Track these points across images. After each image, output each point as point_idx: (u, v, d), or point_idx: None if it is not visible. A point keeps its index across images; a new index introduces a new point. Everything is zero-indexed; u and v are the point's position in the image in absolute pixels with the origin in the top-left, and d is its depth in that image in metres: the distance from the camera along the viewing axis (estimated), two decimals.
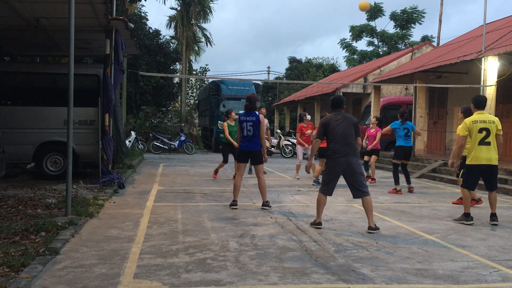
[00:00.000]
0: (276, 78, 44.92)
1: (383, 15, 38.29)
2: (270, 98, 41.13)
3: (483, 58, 12.08)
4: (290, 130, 25.39)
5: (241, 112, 7.96)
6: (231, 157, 11.75)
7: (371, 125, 12.11)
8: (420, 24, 37.78)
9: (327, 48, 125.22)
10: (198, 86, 39.69)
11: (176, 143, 20.89)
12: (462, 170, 7.58)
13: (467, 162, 6.81)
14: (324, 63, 43.36)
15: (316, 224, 6.17)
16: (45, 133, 9.72)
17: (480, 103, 6.90)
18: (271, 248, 5.06)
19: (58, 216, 6.03)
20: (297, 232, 5.90)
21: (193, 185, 10.16)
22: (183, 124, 26.49)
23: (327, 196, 6.22)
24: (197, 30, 34.40)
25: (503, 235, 6.11)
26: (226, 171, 13.41)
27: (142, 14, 27.33)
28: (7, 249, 4.58)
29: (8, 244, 4.77)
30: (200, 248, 4.99)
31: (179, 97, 32.59)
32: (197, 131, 28.16)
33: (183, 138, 21.08)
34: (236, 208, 7.38)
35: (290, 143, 20.06)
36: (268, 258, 4.68)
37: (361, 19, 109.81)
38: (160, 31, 29.00)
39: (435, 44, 25.20)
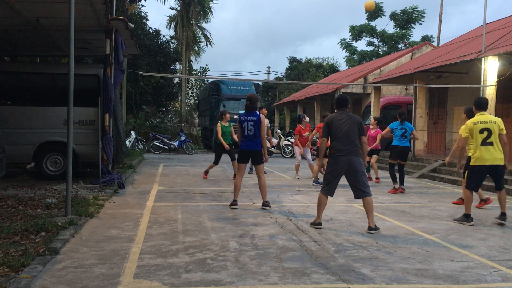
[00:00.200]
0: (276, 78, 44.95)
1: (383, 15, 38.30)
2: (270, 98, 41.14)
3: (483, 58, 12.08)
4: (290, 130, 25.40)
5: (241, 112, 7.95)
6: (227, 158, 11.73)
7: (371, 126, 12.12)
8: (420, 24, 37.83)
9: (327, 48, 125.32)
10: (198, 86, 39.70)
11: (176, 143, 20.88)
12: (467, 171, 7.57)
13: (472, 163, 6.78)
14: (324, 63, 43.37)
15: (316, 224, 6.17)
16: (45, 133, 9.72)
17: (481, 104, 6.91)
18: (271, 248, 5.06)
19: (58, 216, 6.03)
20: (297, 232, 5.90)
21: (193, 185, 10.16)
22: (183, 124, 26.50)
23: (328, 197, 6.23)
24: (197, 30, 34.40)
25: (503, 235, 6.11)
26: (226, 171, 13.41)
27: (142, 14, 27.34)
28: (7, 249, 4.58)
29: (8, 244, 4.77)
30: (200, 248, 4.99)
31: (179, 97, 32.59)
32: (197, 131, 28.17)
33: (183, 138, 21.08)
34: (236, 208, 7.38)
35: (290, 143, 20.06)
36: (268, 258, 4.68)
37: (361, 19, 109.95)
38: (160, 31, 29.03)
39: (435, 44, 25.19)
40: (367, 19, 38.99)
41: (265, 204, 7.46)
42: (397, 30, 37.78)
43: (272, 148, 20.17)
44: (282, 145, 20.52)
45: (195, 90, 39.85)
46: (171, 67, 29.66)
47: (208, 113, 23.76)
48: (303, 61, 44.51)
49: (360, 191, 6.06)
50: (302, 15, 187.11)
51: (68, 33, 6.26)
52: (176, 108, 33.49)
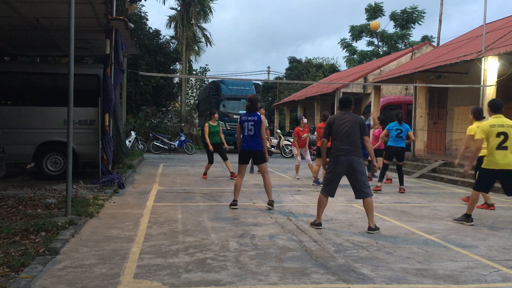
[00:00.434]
0: (276, 78, 44.95)
1: (383, 15, 38.31)
2: (270, 98, 41.14)
3: (483, 58, 12.08)
4: (290, 130, 25.41)
5: (241, 112, 7.98)
6: (219, 158, 11.78)
7: (375, 126, 12.22)
8: (420, 24, 37.83)
9: (328, 48, 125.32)
10: (198, 86, 39.70)
11: (176, 143, 20.88)
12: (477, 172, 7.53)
13: (483, 165, 6.66)
14: (324, 63, 43.36)
15: (316, 224, 6.17)
16: (45, 133, 9.72)
17: (496, 106, 6.79)
18: (271, 248, 5.06)
19: (58, 216, 6.03)
20: (297, 232, 5.90)
21: (193, 185, 10.16)
22: (183, 124, 26.49)
23: (329, 198, 6.23)
24: (197, 30, 34.38)
25: (503, 235, 6.11)
26: (226, 171, 13.41)
27: (142, 14, 27.35)
28: (7, 249, 4.58)
29: (8, 244, 4.77)
30: (200, 248, 4.99)
31: (179, 97, 32.59)
32: (197, 131, 28.16)
33: (183, 138, 21.08)
34: (236, 208, 7.38)
35: (290, 143, 20.06)
36: (268, 258, 4.68)
37: (361, 19, 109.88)
38: (160, 31, 29.06)
39: (435, 44, 25.20)
40: (367, 19, 39.02)
41: (270, 203, 7.43)
42: (397, 30, 37.79)
43: (272, 148, 20.18)
44: (282, 145, 20.52)
45: (195, 90, 39.86)
46: (171, 67, 29.67)
47: (208, 113, 23.75)
48: (303, 61, 44.52)
49: (360, 191, 6.05)
50: (302, 15, 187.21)
51: (68, 33, 6.26)
52: (176, 108, 33.48)
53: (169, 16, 33.73)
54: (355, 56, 40.36)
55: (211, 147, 11.45)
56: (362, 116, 10.37)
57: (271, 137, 21.94)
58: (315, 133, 11.51)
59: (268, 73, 46.88)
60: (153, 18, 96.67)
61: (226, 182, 10.86)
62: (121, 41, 9.78)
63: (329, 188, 6.17)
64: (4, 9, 8.46)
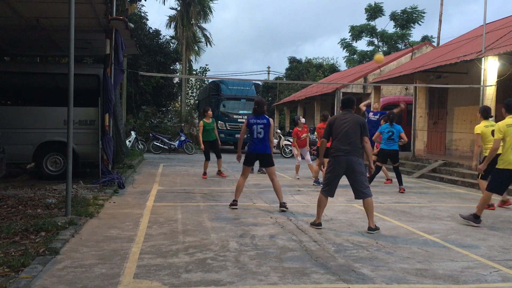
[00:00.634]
0: (276, 78, 44.95)
1: (383, 15, 38.33)
2: (270, 98, 41.14)
3: (483, 58, 12.08)
4: (290, 130, 25.40)
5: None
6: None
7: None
8: (420, 24, 37.85)
9: (328, 48, 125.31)
10: (198, 86, 39.70)
11: (176, 143, 20.87)
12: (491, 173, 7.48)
13: (498, 165, 6.53)
14: (324, 63, 43.37)
15: (316, 224, 6.17)
16: (45, 133, 9.72)
17: (510, 107, 6.73)
18: (271, 248, 5.06)
19: (58, 216, 6.03)
20: (297, 232, 5.90)
21: (193, 185, 10.16)
22: (183, 124, 26.49)
23: (328, 198, 6.23)
24: (197, 30, 34.41)
25: (503, 235, 6.11)
26: (226, 171, 13.41)
27: (142, 14, 27.36)
28: (7, 249, 4.58)
29: (8, 244, 4.77)
30: (200, 248, 4.99)
31: (179, 97, 32.60)
32: (197, 131, 28.15)
33: (183, 138, 21.07)
34: (236, 208, 7.38)
35: (290, 143, 20.06)
36: (268, 258, 4.68)
37: (361, 19, 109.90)
38: (160, 31, 29.05)
39: (435, 44, 25.20)
40: (367, 19, 39.04)
41: (283, 205, 7.37)
42: (397, 30, 37.79)
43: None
44: (282, 145, 20.52)
45: (195, 90, 39.85)
46: (171, 67, 29.67)
47: None
48: (303, 61, 44.53)
49: (359, 191, 6.06)
50: (302, 15, 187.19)
51: (68, 33, 6.26)
52: (176, 108, 33.48)
53: (169, 16, 33.80)
54: (355, 56, 40.37)
55: (202, 147, 11.59)
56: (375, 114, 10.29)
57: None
58: (315, 133, 11.48)
59: (268, 73, 46.94)
60: (153, 18, 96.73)
61: (226, 182, 10.86)
62: (121, 41, 9.78)
63: (329, 188, 6.17)
64: (4, 9, 8.46)
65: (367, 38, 39.71)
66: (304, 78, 38.61)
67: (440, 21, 23.85)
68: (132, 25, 10.43)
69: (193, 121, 29.40)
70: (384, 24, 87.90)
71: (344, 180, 6.25)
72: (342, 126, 6.10)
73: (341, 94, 22.25)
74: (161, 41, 28.17)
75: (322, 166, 9.74)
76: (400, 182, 10.11)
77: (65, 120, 8.19)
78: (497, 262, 4.81)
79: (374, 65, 25.92)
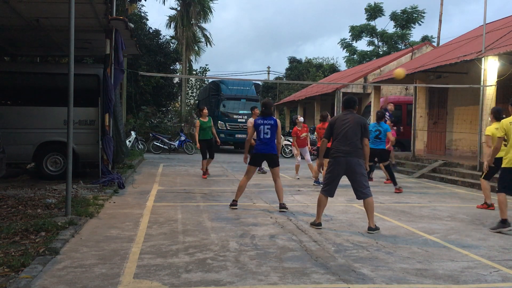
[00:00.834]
0: (276, 78, 44.96)
1: (383, 15, 38.33)
2: (270, 98, 41.15)
3: (483, 58, 12.08)
4: (290, 130, 25.41)
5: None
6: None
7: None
8: (420, 24, 37.85)
9: (328, 48, 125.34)
10: (198, 86, 39.70)
11: (176, 143, 20.87)
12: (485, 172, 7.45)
13: (503, 165, 6.41)
14: (324, 63, 43.38)
15: (316, 224, 6.17)
16: (45, 133, 9.72)
17: None
18: (271, 248, 5.06)
19: (58, 216, 6.03)
20: (297, 232, 5.90)
21: (193, 185, 10.16)
22: (183, 124, 26.48)
23: (328, 198, 6.23)
24: (197, 30, 34.41)
25: (503, 235, 6.11)
26: (226, 171, 13.42)
27: (142, 14, 27.35)
28: (7, 249, 4.58)
29: (8, 244, 4.77)
30: (200, 248, 4.99)
31: (179, 97, 32.60)
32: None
33: (183, 138, 21.07)
34: (236, 208, 7.38)
35: (290, 143, 20.06)
36: (268, 258, 4.68)
37: (361, 19, 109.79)
38: (160, 31, 29.04)
39: (435, 44, 25.21)
40: (367, 19, 39.05)
41: (282, 206, 7.37)
42: (397, 30, 37.80)
43: None
44: (282, 145, 20.52)
45: (195, 90, 39.85)
46: (171, 67, 29.66)
47: (208, 113, 23.74)
48: (303, 61, 44.54)
49: (359, 192, 6.06)
50: (303, 15, 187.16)
51: (68, 33, 6.26)
52: (176, 108, 33.47)
53: (169, 16, 33.79)
54: (355, 56, 40.37)
55: (198, 145, 11.66)
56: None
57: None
58: (315, 133, 11.46)
59: (268, 73, 46.93)
60: (153, 18, 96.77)
61: (226, 182, 10.86)
62: (121, 41, 9.78)
63: (329, 188, 6.18)
64: (4, 9, 8.46)
65: (367, 38, 39.74)
66: (304, 78, 38.63)
67: (440, 21, 23.86)
68: (132, 25, 10.43)
69: (193, 121, 29.37)
70: (384, 24, 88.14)
71: (344, 180, 6.25)
72: (343, 127, 6.09)
73: (341, 94, 22.26)
74: (161, 41, 28.17)
75: (322, 167, 9.75)
76: (394, 182, 10.03)
77: (65, 120, 8.19)
78: (497, 262, 4.81)
79: (374, 64, 25.95)
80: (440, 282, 4.15)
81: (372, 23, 38.95)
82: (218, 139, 12.29)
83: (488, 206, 8.08)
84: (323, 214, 6.47)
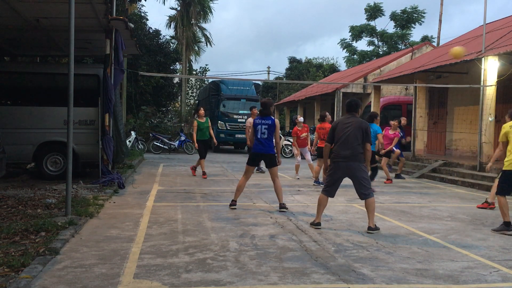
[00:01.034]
0: (276, 78, 44.95)
1: (383, 14, 38.34)
2: (270, 98, 41.16)
3: (483, 58, 12.08)
4: (290, 130, 25.41)
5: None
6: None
7: (392, 126, 12.36)
8: (420, 24, 37.86)
9: (329, 48, 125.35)
10: (198, 86, 39.71)
11: (176, 143, 20.87)
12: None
13: (504, 167, 6.41)
14: (324, 63, 43.39)
15: (315, 224, 6.17)
16: (45, 133, 9.72)
17: None
18: (271, 248, 5.06)
19: (58, 216, 6.03)
20: (297, 232, 5.90)
21: (193, 185, 10.16)
22: (183, 124, 26.48)
23: (329, 198, 6.23)
24: (197, 30, 34.44)
25: (503, 235, 6.10)
26: (226, 171, 13.42)
27: (142, 14, 27.34)
28: (7, 249, 4.58)
29: (8, 244, 4.77)
30: (200, 248, 4.99)
31: (179, 97, 32.61)
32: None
33: (183, 138, 21.07)
34: (235, 208, 7.37)
35: (290, 143, 20.06)
36: (268, 258, 4.68)
37: (361, 19, 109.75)
38: (160, 31, 29.04)
39: (435, 44, 25.21)
40: (366, 19, 39.06)
41: (282, 206, 7.37)
42: (397, 30, 37.80)
43: None
44: (282, 145, 20.51)
45: (195, 90, 39.86)
46: (171, 67, 29.66)
47: (208, 113, 23.74)
48: (303, 61, 44.54)
49: (361, 193, 6.08)
50: (303, 15, 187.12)
51: (68, 33, 6.26)
52: (176, 108, 33.48)
53: (169, 16, 33.84)
54: (355, 56, 40.37)
55: (196, 145, 11.73)
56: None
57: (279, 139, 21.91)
58: (315, 133, 11.45)
59: (268, 73, 46.94)
60: (153, 18, 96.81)
61: (226, 182, 10.86)
62: (121, 41, 9.78)
63: (330, 189, 6.19)
64: (4, 9, 8.46)
65: (367, 38, 39.75)
66: (304, 78, 38.63)
67: (440, 21, 23.87)
68: (132, 25, 10.42)
69: (193, 121, 29.37)
70: (384, 24, 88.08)
71: (344, 180, 6.26)
72: (344, 131, 6.08)
73: (341, 94, 22.27)
74: (161, 41, 28.16)
75: (326, 170, 9.73)
76: (371, 180, 9.93)
77: (65, 120, 8.20)
78: (497, 262, 4.81)
79: (374, 64, 25.94)
80: (440, 282, 4.15)
81: (372, 23, 39.00)
82: (215, 140, 12.32)
83: (489, 204, 8.04)
84: (323, 214, 6.47)
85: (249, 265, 4.44)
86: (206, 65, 52.69)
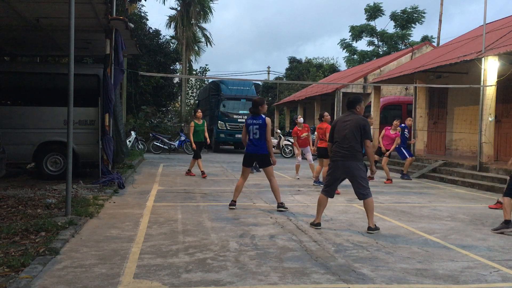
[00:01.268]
0: (276, 78, 44.94)
1: (383, 14, 38.33)
2: (270, 98, 41.14)
3: (483, 58, 12.07)
4: (290, 130, 25.42)
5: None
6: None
7: (392, 126, 12.39)
8: (421, 24, 37.86)
9: (329, 48, 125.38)
10: (198, 86, 39.72)
11: (176, 143, 20.88)
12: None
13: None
14: (324, 63, 43.36)
15: (315, 224, 6.17)
16: (45, 133, 9.72)
17: None
18: (271, 248, 5.06)
19: (58, 216, 6.03)
20: (297, 232, 5.90)
21: (193, 185, 10.16)
22: (183, 124, 26.49)
23: (329, 198, 6.23)
24: (197, 30, 34.46)
25: (503, 235, 6.10)
26: (226, 171, 13.42)
27: (142, 14, 27.34)
28: (7, 249, 4.58)
29: (8, 244, 4.77)
30: (200, 248, 4.99)
31: (179, 97, 32.62)
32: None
33: (183, 138, 21.08)
34: (234, 208, 7.37)
35: (290, 143, 20.06)
36: (268, 258, 4.68)
37: (361, 19, 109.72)
38: (160, 31, 29.05)
39: (435, 44, 25.21)
40: (366, 19, 39.05)
41: (280, 205, 7.35)
42: (397, 30, 37.79)
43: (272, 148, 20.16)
44: (282, 145, 20.53)
45: (195, 90, 39.87)
46: (171, 67, 29.66)
47: (208, 113, 23.77)
48: (303, 61, 44.53)
49: (360, 194, 6.06)
50: (303, 15, 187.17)
51: (68, 33, 6.26)
52: (176, 108, 33.49)
53: (169, 16, 33.86)
54: (355, 56, 40.36)
55: (194, 146, 11.81)
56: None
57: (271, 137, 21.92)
58: (315, 133, 11.46)
59: (268, 73, 46.94)
60: (153, 18, 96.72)
61: (226, 182, 10.86)
62: (121, 41, 9.78)
63: (329, 189, 6.19)
64: (4, 9, 8.46)
65: (367, 38, 39.72)
66: (304, 78, 38.60)
67: (440, 21, 23.87)
68: (132, 25, 10.43)
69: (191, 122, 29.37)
70: (384, 24, 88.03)
71: (344, 180, 6.26)
72: (342, 129, 6.05)
73: (341, 94, 22.25)
74: (161, 41, 28.17)
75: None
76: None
77: (65, 120, 8.20)
78: (497, 262, 4.81)
79: (374, 64, 25.93)
80: (440, 282, 4.15)
81: (372, 23, 38.97)
82: (208, 140, 12.44)
83: (501, 204, 7.89)
84: (323, 214, 6.47)
85: (249, 265, 4.44)
86: (206, 65, 52.77)
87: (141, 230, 5.75)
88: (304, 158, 12.14)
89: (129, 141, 18.39)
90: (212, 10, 33.90)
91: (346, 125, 6.04)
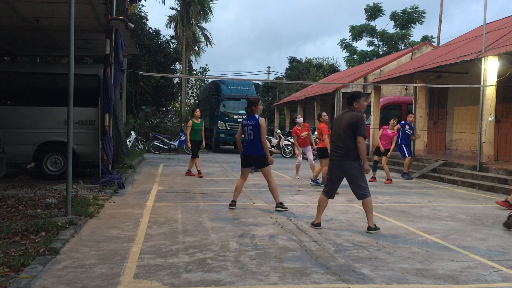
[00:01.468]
0: (276, 78, 44.92)
1: (383, 14, 38.32)
2: (270, 98, 41.13)
3: (483, 58, 12.07)
4: (290, 130, 25.42)
5: (241, 112, 7.99)
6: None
7: (389, 126, 12.40)
8: (421, 24, 37.84)
9: (329, 48, 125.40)
10: (198, 86, 39.72)
11: (176, 143, 20.88)
12: None
13: None
14: (324, 63, 43.34)
15: (316, 224, 6.16)
16: (45, 133, 9.72)
17: None
18: (271, 248, 5.06)
19: (58, 216, 6.03)
20: (297, 232, 5.90)
21: (193, 185, 10.16)
22: (183, 124, 26.46)
23: (329, 199, 6.22)
24: (197, 30, 34.46)
25: (503, 235, 6.11)
26: (226, 171, 13.42)
27: (142, 14, 27.35)
28: (7, 249, 4.58)
29: (8, 244, 4.77)
30: (200, 248, 4.99)
31: (179, 97, 32.62)
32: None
33: (183, 138, 21.05)
34: (234, 208, 7.37)
35: (290, 143, 20.07)
36: (268, 258, 4.68)
37: (361, 19, 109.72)
38: (160, 31, 29.05)
39: (435, 44, 25.20)
40: (366, 19, 39.03)
41: (279, 205, 7.34)
42: (397, 30, 37.78)
43: (272, 148, 20.18)
44: (282, 145, 20.52)
45: (195, 90, 39.87)
46: (171, 67, 29.66)
47: (208, 113, 23.78)
48: (303, 61, 44.51)
49: (357, 193, 6.03)
50: (303, 15, 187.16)
51: (68, 33, 6.26)
52: (176, 108, 33.49)
53: (169, 16, 33.85)
54: (355, 56, 40.34)
55: (189, 145, 11.98)
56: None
57: (271, 137, 21.96)
58: (316, 133, 11.46)
59: (268, 73, 46.93)
60: (153, 18, 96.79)
61: (226, 182, 10.86)
62: (121, 41, 9.78)
63: (329, 190, 6.18)
64: (4, 9, 8.46)
65: (367, 38, 39.69)
66: (304, 78, 38.58)
67: (440, 21, 23.85)
68: (132, 25, 10.43)
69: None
70: (384, 24, 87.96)
71: (344, 180, 6.25)
72: (338, 129, 6.03)
73: (341, 94, 22.25)
74: (161, 41, 28.17)
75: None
76: None
77: (65, 120, 8.20)
78: (497, 262, 4.81)
79: (374, 64, 25.93)
80: (440, 282, 4.15)
81: (372, 23, 38.95)
82: (204, 143, 12.58)
83: (510, 205, 7.86)
84: (323, 214, 6.47)
85: (249, 265, 4.44)
86: (206, 65, 52.82)
87: (141, 230, 5.75)
88: (304, 158, 12.14)
89: (129, 141, 18.40)
90: (212, 10, 33.93)
91: (341, 124, 6.01)
